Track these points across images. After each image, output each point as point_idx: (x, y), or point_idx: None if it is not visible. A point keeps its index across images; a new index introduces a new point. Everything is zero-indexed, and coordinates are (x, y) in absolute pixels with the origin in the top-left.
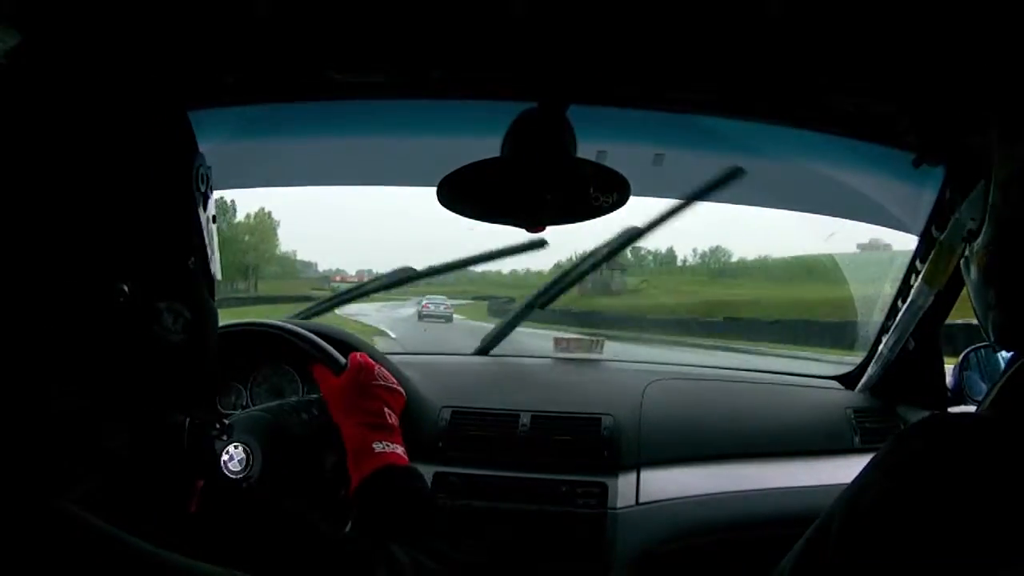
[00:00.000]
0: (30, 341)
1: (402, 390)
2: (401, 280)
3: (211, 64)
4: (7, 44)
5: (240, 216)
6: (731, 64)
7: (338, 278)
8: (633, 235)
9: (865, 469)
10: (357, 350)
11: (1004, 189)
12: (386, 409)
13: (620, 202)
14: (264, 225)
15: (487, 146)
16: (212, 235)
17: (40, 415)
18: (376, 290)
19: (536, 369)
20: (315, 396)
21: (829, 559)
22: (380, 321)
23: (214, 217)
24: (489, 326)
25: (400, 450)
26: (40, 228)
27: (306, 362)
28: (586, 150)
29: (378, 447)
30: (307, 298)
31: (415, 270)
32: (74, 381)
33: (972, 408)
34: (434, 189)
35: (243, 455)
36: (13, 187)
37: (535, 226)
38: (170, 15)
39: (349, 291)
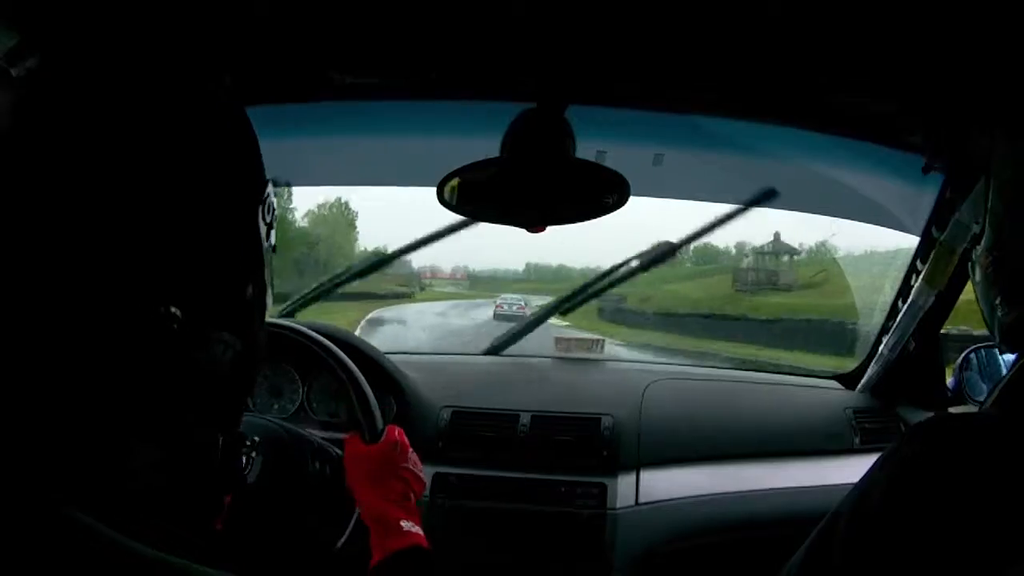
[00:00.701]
0: (74, 359)
1: (425, 479)
2: (374, 266)
3: (211, 64)
4: (7, 44)
5: (309, 205)
6: (731, 64)
7: (428, 274)
8: (667, 250)
9: (871, 469)
10: (360, 352)
11: (1002, 193)
12: (411, 492)
13: (620, 202)
14: (339, 217)
15: (487, 146)
16: (270, 266)
17: (65, 431)
18: (346, 280)
19: (536, 369)
20: (339, 453)
21: (836, 559)
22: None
23: (274, 247)
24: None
25: (422, 533)
26: (99, 245)
27: (319, 371)
28: (586, 150)
29: (405, 525)
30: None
31: (386, 253)
32: (108, 400)
33: (973, 408)
34: (435, 189)
35: (242, 459)
36: (80, 198)
37: (534, 226)
38: (169, 16)
39: (321, 285)
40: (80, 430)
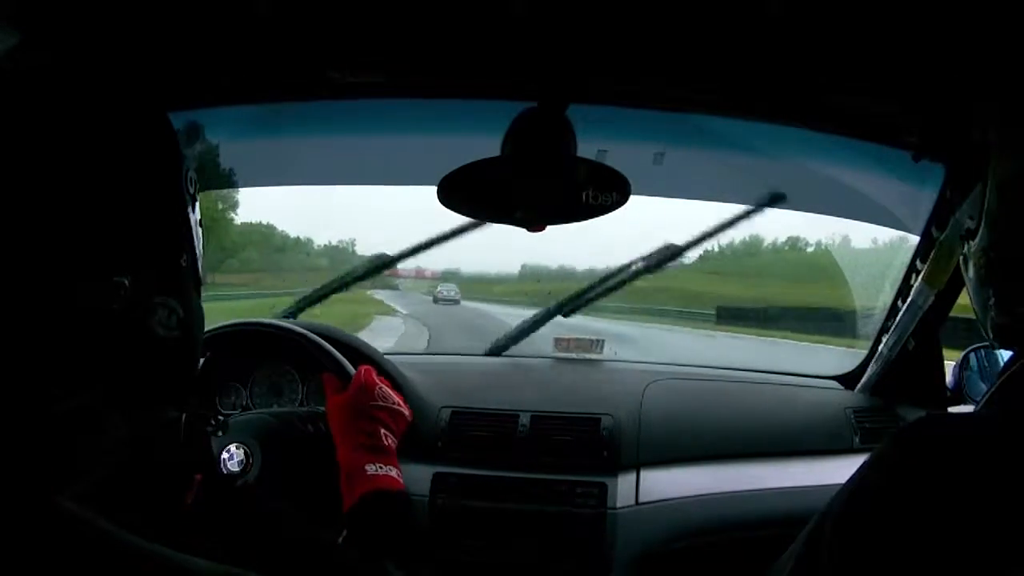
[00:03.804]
0: (32, 336)
1: (406, 411)
2: (377, 267)
3: (211, 64)
4: (7, 44)
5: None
6: (732, 63)
7: (395, 273)
8: (673, 252)
9: (860, 469)
10: (360, 353)
11: (1000, 192)
12: (383, 430)
13: (620, 201)
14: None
15: (487, 146)
16: (199, 237)
17: (41, 412)
18: (353, 281)
19: (536, 369)
20: (322, 409)
21: (824, 563)
22: None
23: (201, 220)
24: None
25: (394, 472)
26: (40, 223)
27: (313, 366)
28: (586, 149)
29: (371, 469)
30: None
31: (388, 255)
32: (75, 376)
33: (971, 408)
34: (434, 188)
35: (243, 456)
36: (13, 186)
37: (535, 225)
38: (170, 15)
39: (326, 285)
40: (52, 409)
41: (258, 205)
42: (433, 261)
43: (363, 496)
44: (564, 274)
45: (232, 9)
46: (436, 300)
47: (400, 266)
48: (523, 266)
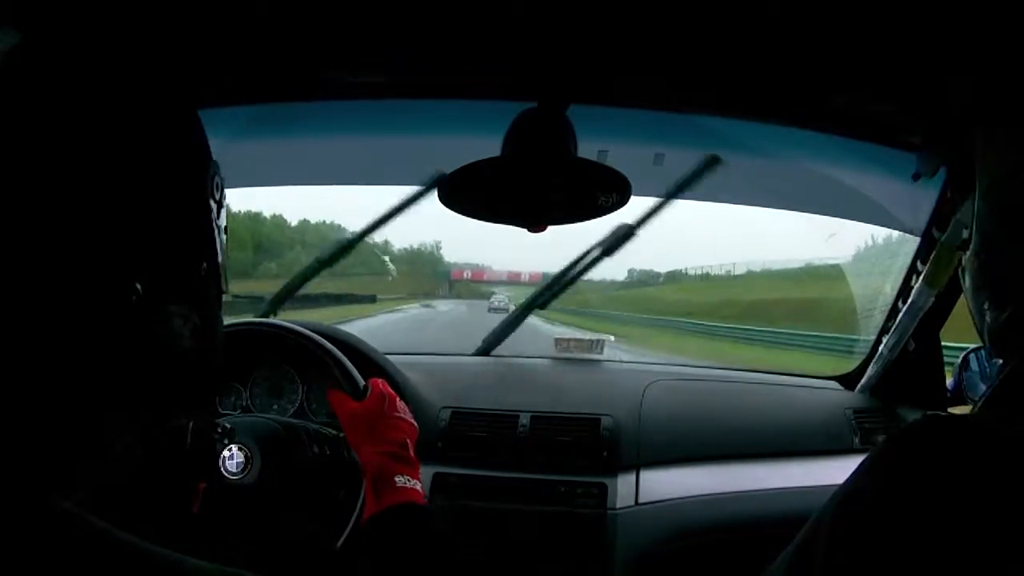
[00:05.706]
0: (39, 338)
1: (416, 424)
2: (343, 249)
3: (211, 64)
4: (7, 44)
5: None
6: (731, 63)
7: (468, 274)
8: (627, 232)
9: (856, 470)
10: (362, 354)
11: (986, 197)
12: (408, 441)
13: (621, 202)
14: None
15: (487, 146)
16: (224, 244)
17: (44, 415)
18: (313, 273)
19: (536, 369)
20: (334, 433)
21: (820, 562)
22: None
23: (226, 227)
24: None
25: (420, 487)
26: (54, 222)
27: (316, 368)
28: (587, 150)
29: (400, 480)
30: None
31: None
32: (79, 377)
33: (966, 410)
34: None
35: (242, 458)
36: (29, 183)
37: (535, 226)
38: (170, 14)
39: (300, 273)
40: (57, 414)
41: (324, 204)
42: (531, 264)
43: (391, 507)
44: (673, 278)
45: (232, 9)
46: (490, 309)
47: (495, 268)
48: (630, 271)
